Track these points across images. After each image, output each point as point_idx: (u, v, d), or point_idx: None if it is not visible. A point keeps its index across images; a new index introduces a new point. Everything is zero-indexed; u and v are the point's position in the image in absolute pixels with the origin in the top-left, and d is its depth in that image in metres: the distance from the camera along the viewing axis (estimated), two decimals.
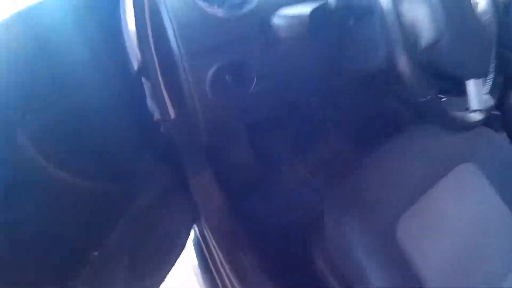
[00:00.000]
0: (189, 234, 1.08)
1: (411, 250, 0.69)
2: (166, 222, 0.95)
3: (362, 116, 1.40)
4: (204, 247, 1.18)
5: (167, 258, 0.95)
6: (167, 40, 0.79)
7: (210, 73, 0.71)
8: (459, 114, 0.75)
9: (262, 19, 0.74)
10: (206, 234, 1.14)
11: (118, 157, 0.83)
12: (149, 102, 0.99)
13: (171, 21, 0.70)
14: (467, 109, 0.75)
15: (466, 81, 0.75)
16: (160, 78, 0.92)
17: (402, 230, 0.71)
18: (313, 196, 1.27)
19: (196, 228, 1.24)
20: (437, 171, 0.78)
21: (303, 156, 1.39)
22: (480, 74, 0.75)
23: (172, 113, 0.98)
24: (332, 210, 0.78)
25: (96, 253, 0.78)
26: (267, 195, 1.28)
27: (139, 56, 0.90)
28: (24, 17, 0.54)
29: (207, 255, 1.15)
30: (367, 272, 0.66)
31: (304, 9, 0.69)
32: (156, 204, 0.90)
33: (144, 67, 0.92)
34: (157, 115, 1.01)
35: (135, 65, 0.93)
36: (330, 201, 0.80)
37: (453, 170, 0.77)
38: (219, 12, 0.74)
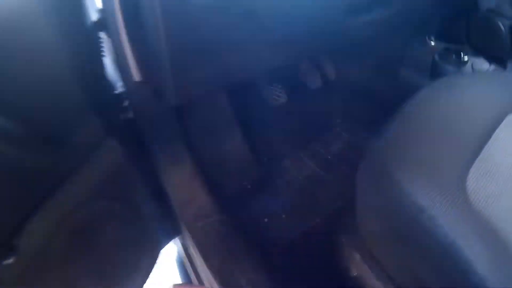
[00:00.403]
0: (159, 250, 0.80)
1: (492, 214, 0.43)
2: (122, 227, 0.67)
3: (376, 95, 1.17)
4: (189, 266, 0.89)
5: (123, 281, 0.66)
6: None
7: None
8: None
9: None
10: (191, 248, 0.86)
11: (55, 120, 0.58)
12: (107, 61, 0.77)
13: None
14: None
15: None
16: (123, 28, 0.71)
17: (474, 187, 0.45)
18: (328, 194, 1.01)
19: (178, 243, 0.96)
20: (491, 122, 0.56)
21: (310, 150, 1.13)
22: None
23: (136, 74, 0.75)
24: (374, 172, 0.52)
25: (9, 261, 0.51)
26: (270, 196, 1.01)
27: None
28: None
29: (193, 276, 0.86)
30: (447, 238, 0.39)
31: None
32: (103, 196, 0.63)
33: (104, 18, 0.71)
34: (117, 80, 0.78)
35: (94, 16, 0.74)
36: (369, 162, 0.54)
37: (504, 120, 0.57)
38: None
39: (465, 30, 1.11)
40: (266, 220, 0.98)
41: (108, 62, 0.80)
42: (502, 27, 1.03)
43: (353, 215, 0.63)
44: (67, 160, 0.59)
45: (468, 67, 0.97)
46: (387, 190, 0.46)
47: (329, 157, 1.10)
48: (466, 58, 0.97)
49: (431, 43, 1.04)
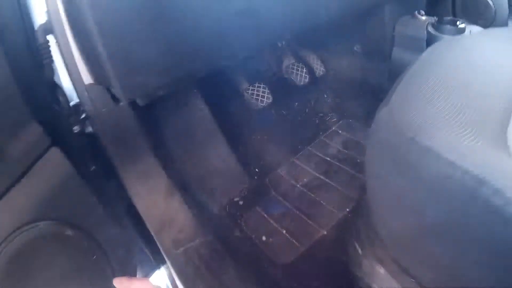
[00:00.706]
0: None
1: None
2: (75, 256, 0.52)
3: (370, 85, 1.03)
4: None
5: None
6: None
7: None
8: None
9: None
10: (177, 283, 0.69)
11: None
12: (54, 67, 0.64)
13: None
14: None
15: None
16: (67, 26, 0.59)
17: None
18: (333, 200, 0.85)
19: (165, 274, 0.79)
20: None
21: (306, 154, 0.98)
22: None
23: (87, 76, 0.61)
24: (389, 145, 0.37)
25: None
26: (265, 211, 0.86)
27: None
28: None
29: None
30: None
31: None
32: (47, 217, 0.48)
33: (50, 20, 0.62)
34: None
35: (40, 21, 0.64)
36: (380, 134, 0.39)
37: None
38: None
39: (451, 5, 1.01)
40: (263, 238, 0.82)
41: (60, 68, 0.67)
42: (491, 2, 0.92)
43: (367, 220, 0.48)
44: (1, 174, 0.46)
45: (466, 34, 0.84)
46: (415, 164, 0.31)
47: (328, 159, 0.95)
48: (463, 25, 0.84)
49: (421, 17, 0.92)
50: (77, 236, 0.53)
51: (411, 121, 0.36)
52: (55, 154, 0.54)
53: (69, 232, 0.52)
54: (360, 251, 0.48)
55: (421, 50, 0.93)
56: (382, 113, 0.41)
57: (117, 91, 0.52)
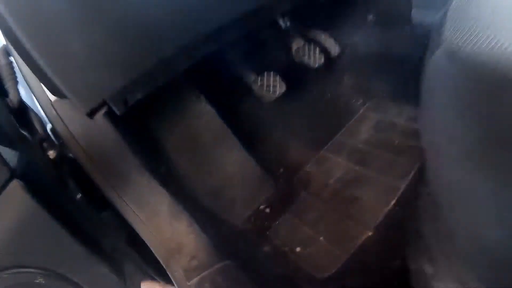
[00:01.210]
0: None
1: None
2: None
3: (392, 57, 0.84)
4: None
5: None
6: None
7: None
8: None
9: None
10: None
11: None
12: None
13: None
14: None
15: None
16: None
17: None
18: (375, 193, 0.67)
19: None
20: None
21: (336, 145, 0.81)
22: None
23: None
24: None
25: None
26: (297, 216, 0.69)
27: None
28: None
29: None
30: None
31: None
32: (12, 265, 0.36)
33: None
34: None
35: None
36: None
37: None
38: None
39: None
40: (298, 250, 0.65)
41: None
42: None
43: (432, 221, 0.31)
44: None
45: None
46: None
47: (361, 146, 0.77)
48: None
49: None
50: (51, 283, 0.40)
51: (488, 55, 0.19)
52: (16, 189, 0.41)
53: (40, 279, 0.40)
54: (428, 271, 0.30)
55: (443, 5, 0.73)
56: (437, 59, 0.24)
57: (70, 97, 0.38)
